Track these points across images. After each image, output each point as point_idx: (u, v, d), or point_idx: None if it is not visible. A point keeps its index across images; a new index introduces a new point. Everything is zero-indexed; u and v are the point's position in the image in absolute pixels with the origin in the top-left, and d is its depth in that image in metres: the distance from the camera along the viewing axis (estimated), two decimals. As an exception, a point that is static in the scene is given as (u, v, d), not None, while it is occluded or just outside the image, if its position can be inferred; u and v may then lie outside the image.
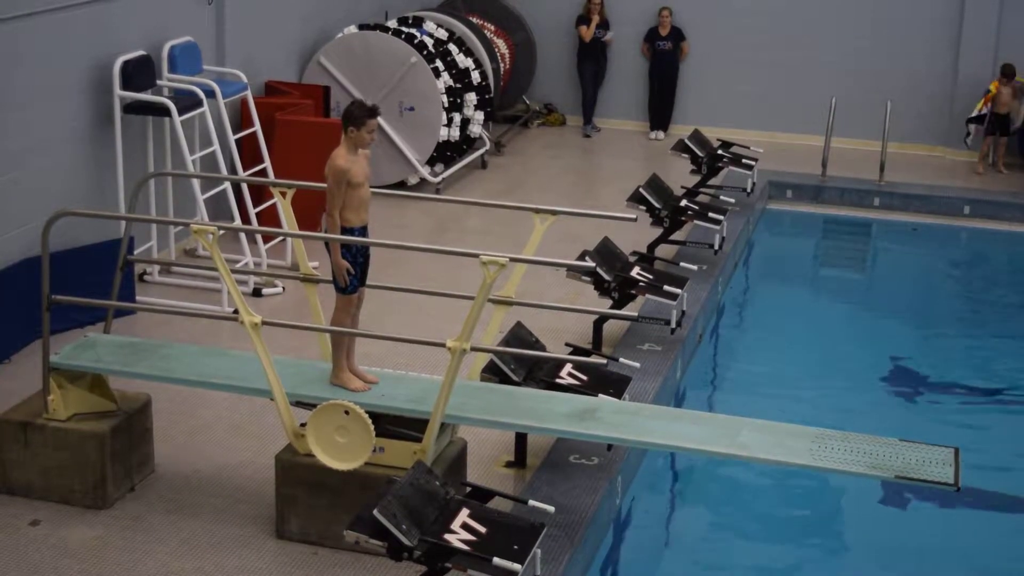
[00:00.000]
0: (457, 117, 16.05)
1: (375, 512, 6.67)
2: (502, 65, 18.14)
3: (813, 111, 18.32)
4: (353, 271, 8.13)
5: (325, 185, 8.04)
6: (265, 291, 12.13)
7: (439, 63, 15.85)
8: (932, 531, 9.42)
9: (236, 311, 7.96)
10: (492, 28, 18.51)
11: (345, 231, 8.07)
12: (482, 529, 6.96)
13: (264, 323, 7.94)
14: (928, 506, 9.61)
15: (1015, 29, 18.59)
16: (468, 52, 16.77)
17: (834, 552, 9.17)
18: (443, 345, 7.69)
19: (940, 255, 16.54)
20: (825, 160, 17.20)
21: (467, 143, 16.77)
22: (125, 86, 11.81)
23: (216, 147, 12.41)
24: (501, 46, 18.41)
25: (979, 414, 11.48)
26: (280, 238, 12.83)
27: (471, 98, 16.32)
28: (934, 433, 10.62)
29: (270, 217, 12.81)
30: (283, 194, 9.08)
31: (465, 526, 6.96)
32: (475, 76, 16.57)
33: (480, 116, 16.58)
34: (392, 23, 16.41)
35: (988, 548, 9.22)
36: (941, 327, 13.86)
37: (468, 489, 7.67)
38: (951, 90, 18.87)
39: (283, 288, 12.21)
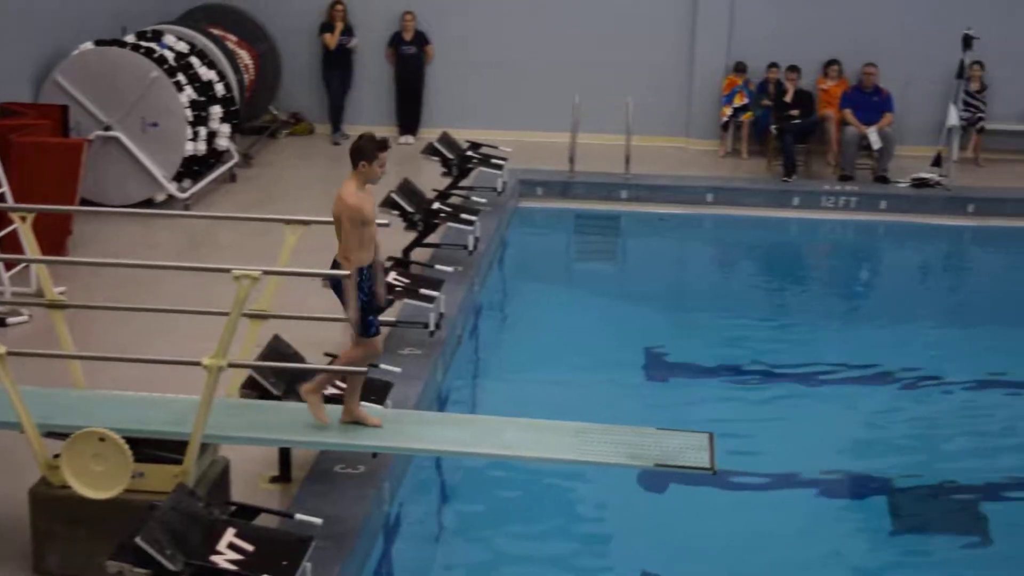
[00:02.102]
0: (203, 131, 15.78)
1: (137, 539, 6.51)
2: (246, 76, 17.93)
3: (558, 108, 18.62)
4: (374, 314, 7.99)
5: (104, 210, 7.77)
6: (9, 320, 11.70)
7: (181, 77, 15.57)
8: (693, 513, 9.65)
9: (-22, 343, 7.68)
10: (234, 39, 18.27)
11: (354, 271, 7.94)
12: (249, 547, 6.87)
13: (10, 353, 7.67)
14: (689, 490, 9.85)
15: (746, 23, 19.35)
16: (211, 64, 16.51)
17: (605, 542, 9.34)
18: (199, 364, 7.58)
19: (687, 242, 17.08)
20: (572, 156, 17.54)
21: (214, 157, 16.51)
22: None
23: (-51, 174, 11.94)
24: (244, 57, 18.19)
25: (732, 394, 11.85)
26: (23, 264, 12.40)
27: (216, 111, 16.08)
28: (692, 414, 11.03)
29: (11, 243, 12.36)
30: (23, 219, 8.77)
31: (232, 546, 6.85)
32: (219, 88, 16.33)
33: (226, 129, 16.35)
34: (130, 38, 16.04)
35: (744, 526, 9.50)
36: (692, 312, 14.29)
37: (233, 508, 7.56)
38: (689, 83, 19.51)
39: (29, 316, 11.81)
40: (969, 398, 11.82)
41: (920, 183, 17.76)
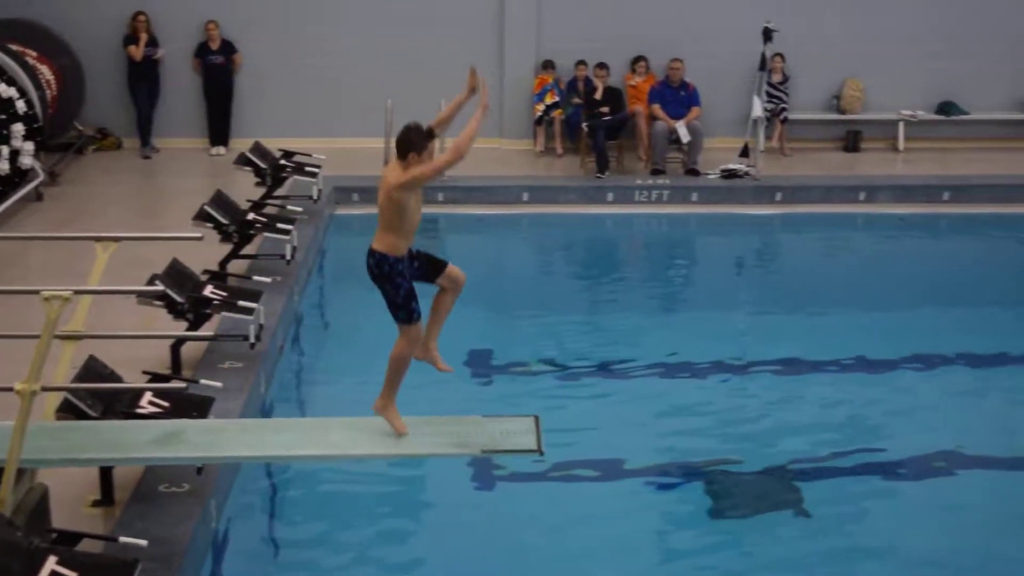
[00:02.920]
0: (5, 150, 15.36)
1: (-47, 574, 6.32)
2: (48, 92, 17.49)
3: (371, 114, 18.58)
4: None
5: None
6: None
7: (-21, 95, 15.13)
8: (517, 506, 9.71)
9: None
10: (34, 54, 17.79)
11: (395, 259, 7.92)
12: (73, 574, 6.71)
13: None
14: (513, 484, 9.93)
15: (553, 22, 19.58)
16: (10, 81, 16.06)
17: (435, 539, 9.31)
18: (11, 389, 7.37)
19: (506, 242, 17.18)
20: (387, 161, 17.49)
21: (19, 176, 16.05)
22: None
23: None
24: (45, 72, 17.73)
25: (556, 391, 11.94)
26: None
27: (18, 129, 15.65)
28: (519, 412, 11.07)
29: None
30: None
31: (55, 574, 6.68)
32: (20, 105, 15.89)
33: (30, 147, 15.92)
34: (-77, 56, 15.53)
35: (567, 518, 9.56)
36: (514, 311, 14.36)
37: (54, 535, 7.38)
38: (499, 83, 19.62)
39: None
40: (780, 380, 12.14)
41: (729, 174, 18.18)
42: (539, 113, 19.46)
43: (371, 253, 8.10)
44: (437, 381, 11.77)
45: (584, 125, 18.64)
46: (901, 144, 20.28)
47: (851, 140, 20.28)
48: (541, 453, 7.90)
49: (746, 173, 18.17)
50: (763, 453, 10.59)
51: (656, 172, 18.43)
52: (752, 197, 17.86)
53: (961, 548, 9.22)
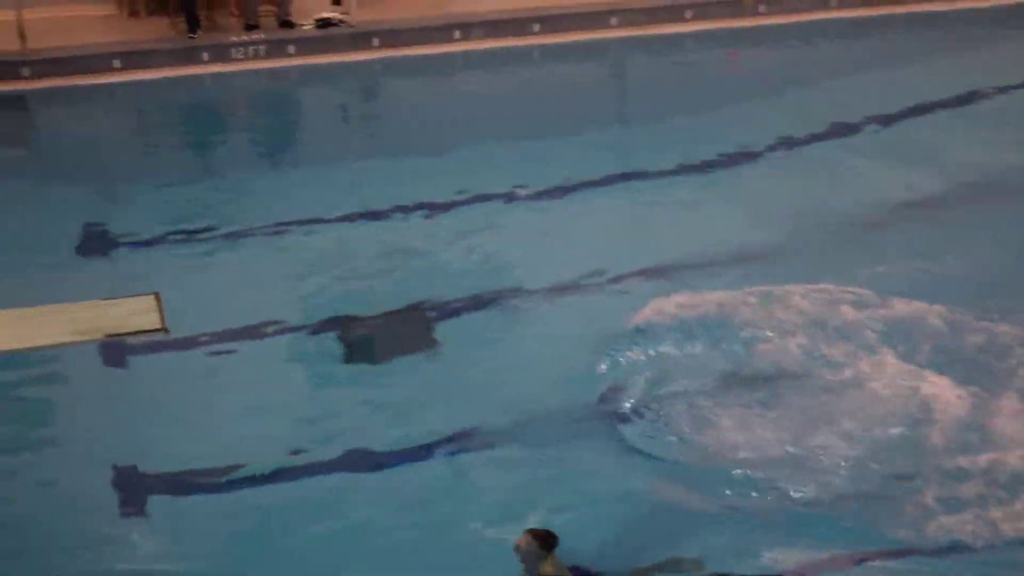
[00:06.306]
0: None
1: None
2: None
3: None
4: None
5: None
6: None
7: None
8: (156, 383, 9.51)
9: None
10: None
11: None
12: None
13: None
14: (148, 360, 9.69)
15: None
16: None
17: (77, 430, 9.03)
18: None
19: (104, 113, 16.47)
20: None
21: None
22: None
23: None
24: None
25: (179, 258, 11.64)
26: None
27: None
28: (143, 284, 10.73)
29: None
30: None
31: None
32: None
33: None
34: None
35: (205, 383, 9.46)
36: (124, 184, 13.79)
37: None
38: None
39: None
40: (416, 224, 12.37)
41: (324, 23, 18.04)
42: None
43: None
44: (49, 264, 11.38)
45: (170, -16, 18.00)
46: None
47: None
48: (166, 331, 7.81)
49: (340, 21, 18.09)
50: (391, 296, 10.85)
51: (250, 27, 18.04)
52: (350, 44, 17.80)
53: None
